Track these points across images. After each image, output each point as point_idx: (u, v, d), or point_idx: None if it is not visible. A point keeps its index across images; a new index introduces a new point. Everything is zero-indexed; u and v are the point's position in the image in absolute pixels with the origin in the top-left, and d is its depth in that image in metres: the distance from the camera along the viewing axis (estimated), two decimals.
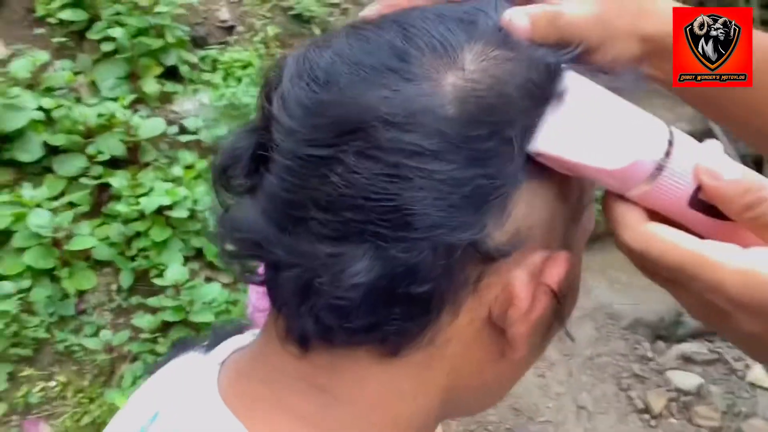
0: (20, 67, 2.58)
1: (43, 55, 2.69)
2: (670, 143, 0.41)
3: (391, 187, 0.37)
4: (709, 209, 0.42)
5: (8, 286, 2.17)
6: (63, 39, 2.85)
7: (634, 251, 0.42)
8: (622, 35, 0.48)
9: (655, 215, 0.43)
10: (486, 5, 0.43)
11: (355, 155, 0.37)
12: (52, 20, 2.87)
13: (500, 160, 0.39)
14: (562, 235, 0.43)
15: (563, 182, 0.42)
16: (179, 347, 0.55)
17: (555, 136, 0.40)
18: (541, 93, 0.40)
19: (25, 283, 2.21)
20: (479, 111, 0.38)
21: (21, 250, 2.23)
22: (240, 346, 0.49)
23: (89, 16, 2.89)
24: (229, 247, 0.43)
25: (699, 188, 0.41)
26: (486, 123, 0.38)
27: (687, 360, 2.83)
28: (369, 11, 0.45)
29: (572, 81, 0.42)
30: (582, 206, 0.45)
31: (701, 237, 0.42)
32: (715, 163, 0.41)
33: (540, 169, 0.40)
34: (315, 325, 0.41)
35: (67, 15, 2.84)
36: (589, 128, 0.41)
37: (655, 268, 0.42)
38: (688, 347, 2.88)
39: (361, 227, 0.38)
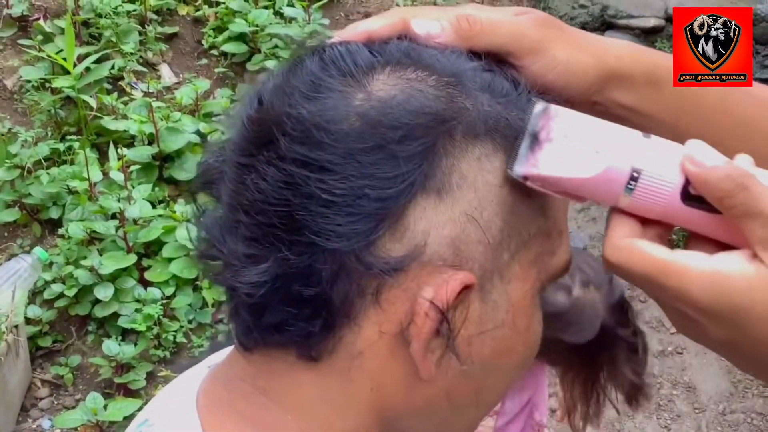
0: (184, 94, 2.84)
1: (205, 84, 2.94)
2: (644, 146, 0.41)
3: (286, 194, 0.41)
4: (705, 205, 0.40)
5: (155, 293, 2.39)
6: (224, 69, 3.11)
7: (610, 263, 0.42)
8: (563, 44, 0.48)
9: (659, 225, 0.42)
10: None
11: (265, 164, 0.42)
12: (215, 52, 3.14)
13: (385, 173, 0.40)
14: (485, 260, 0.43)
15: (472, 203, 0.42)
16: (212, 349, 0.60)
17: (533, 158, 0.42)
18: (435, 116, 0.41)
19: (170, 290, 2.42)
20: (368, 127, 0.40)
21: (169, 260, 2.44)
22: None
23: (249, 49, 3.13)
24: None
25: (688, 183, 0.40)
26: (372, 137, 0.40)
27: None
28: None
29: (540, 105, 0.43)
30: (529, 242, 0.44)
31: (706, 240, 0.41)
32: (700, 153, 0.40)
33: (438, 187, 0.41)
34: (241, 323, 0.45)
35: (229, 47, 3.09)
36: (564, 146, 0.42)
37: (634, 281, 0.42)
38: None
39: (267, 230, 0.42)
